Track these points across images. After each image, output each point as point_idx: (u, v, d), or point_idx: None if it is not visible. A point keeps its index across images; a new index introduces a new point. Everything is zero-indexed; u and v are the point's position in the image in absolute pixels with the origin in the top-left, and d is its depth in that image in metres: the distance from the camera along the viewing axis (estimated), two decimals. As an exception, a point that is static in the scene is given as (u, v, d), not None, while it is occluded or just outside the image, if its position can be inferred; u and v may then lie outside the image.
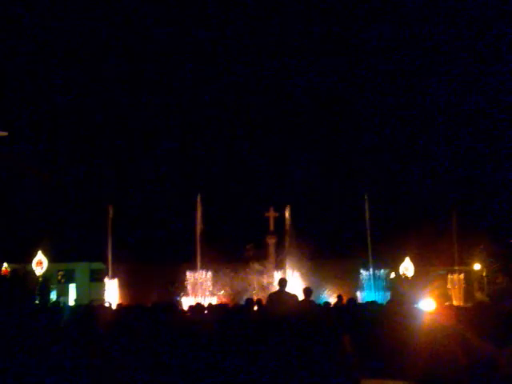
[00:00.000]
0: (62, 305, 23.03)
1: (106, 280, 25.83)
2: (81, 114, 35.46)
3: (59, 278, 32.16)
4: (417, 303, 14.50)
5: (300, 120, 35.82)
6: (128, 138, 34.16)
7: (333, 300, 20.02)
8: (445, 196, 29.28)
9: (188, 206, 26.22)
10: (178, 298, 23.55)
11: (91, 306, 14.40)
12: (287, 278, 19.78)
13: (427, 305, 16.57)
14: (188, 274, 25.14)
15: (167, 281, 25.16)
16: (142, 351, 8.08)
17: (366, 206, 25.72)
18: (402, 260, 26.19)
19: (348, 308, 12.90)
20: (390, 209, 26.81)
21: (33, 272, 24.95)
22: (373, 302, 13.87)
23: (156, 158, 33.82)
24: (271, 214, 27.63)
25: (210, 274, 25.32)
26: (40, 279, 24.72)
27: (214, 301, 24.10)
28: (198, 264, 25.37)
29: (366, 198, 25.83)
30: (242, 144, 33.80)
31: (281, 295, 11.99)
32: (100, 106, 35.45)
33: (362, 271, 25.34)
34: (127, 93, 35.75)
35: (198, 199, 26.12)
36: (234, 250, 26.41)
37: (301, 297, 12.77)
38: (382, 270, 25.31)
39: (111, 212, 26.16)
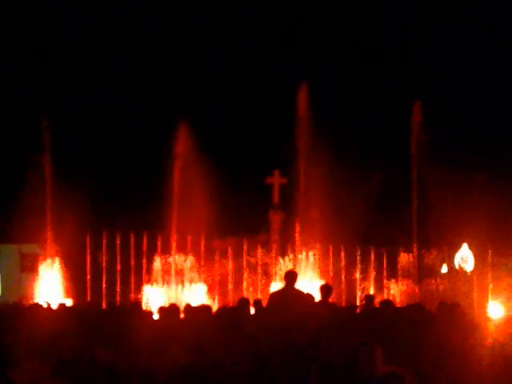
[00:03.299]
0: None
1: (44, 266, 25.72)
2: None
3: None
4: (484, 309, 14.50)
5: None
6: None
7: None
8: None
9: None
10: None
11: (21, 307, 14.34)
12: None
13: (493, 311, 16.59)
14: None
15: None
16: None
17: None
18: (458, 248, 26.14)
19: (380, 314, 12.85)
20: (439, 177, 26.55)
21: None
22: (416, 306, 13.85)
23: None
24: (276, 180, 27.45)
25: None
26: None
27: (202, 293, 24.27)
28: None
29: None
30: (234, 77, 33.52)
31: (287, 294, 11.84)
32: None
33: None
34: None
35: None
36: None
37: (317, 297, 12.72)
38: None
39: (48, 169, 25.87)
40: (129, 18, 34.88)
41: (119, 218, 26.80)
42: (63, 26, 34.54)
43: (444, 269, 25.53)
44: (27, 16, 34.81)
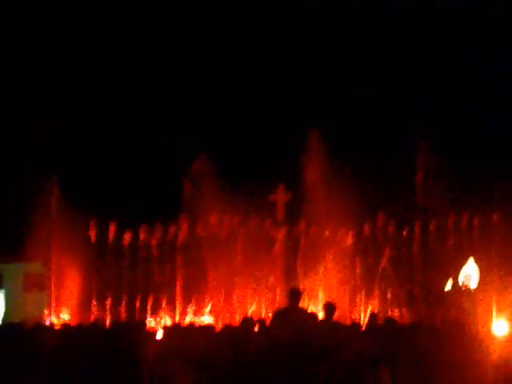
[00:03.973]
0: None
1: (48, 286, 25.85)
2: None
3: (-20, 284, 32.09)
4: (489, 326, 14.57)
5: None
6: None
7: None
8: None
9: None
10: None
11: (27, 326, 14.43)
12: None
13: (498, 328, 16.54)
14: None
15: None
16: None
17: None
18: (463, 264, 26.05)
19: (385, 332, 12.93)
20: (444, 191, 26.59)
21: None
22: (418, 324, 13.94)
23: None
24: (280, 197, 27.35)
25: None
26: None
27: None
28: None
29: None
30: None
31: (291, 313, 11.91)
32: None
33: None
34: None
35: None
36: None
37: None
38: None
39: (56, 190, 26.01)
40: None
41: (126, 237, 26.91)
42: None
43: (448, 286, 25.44)
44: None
